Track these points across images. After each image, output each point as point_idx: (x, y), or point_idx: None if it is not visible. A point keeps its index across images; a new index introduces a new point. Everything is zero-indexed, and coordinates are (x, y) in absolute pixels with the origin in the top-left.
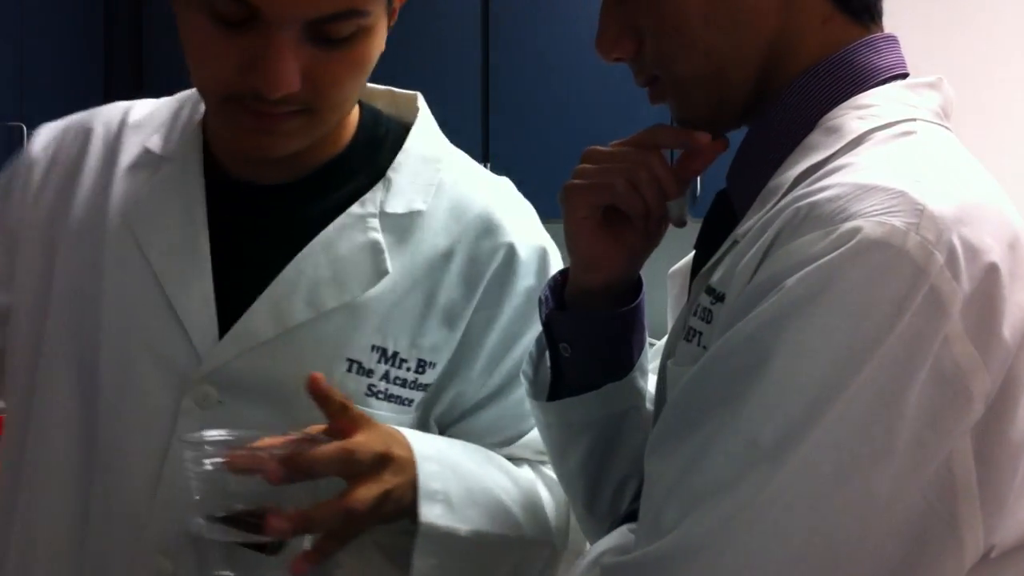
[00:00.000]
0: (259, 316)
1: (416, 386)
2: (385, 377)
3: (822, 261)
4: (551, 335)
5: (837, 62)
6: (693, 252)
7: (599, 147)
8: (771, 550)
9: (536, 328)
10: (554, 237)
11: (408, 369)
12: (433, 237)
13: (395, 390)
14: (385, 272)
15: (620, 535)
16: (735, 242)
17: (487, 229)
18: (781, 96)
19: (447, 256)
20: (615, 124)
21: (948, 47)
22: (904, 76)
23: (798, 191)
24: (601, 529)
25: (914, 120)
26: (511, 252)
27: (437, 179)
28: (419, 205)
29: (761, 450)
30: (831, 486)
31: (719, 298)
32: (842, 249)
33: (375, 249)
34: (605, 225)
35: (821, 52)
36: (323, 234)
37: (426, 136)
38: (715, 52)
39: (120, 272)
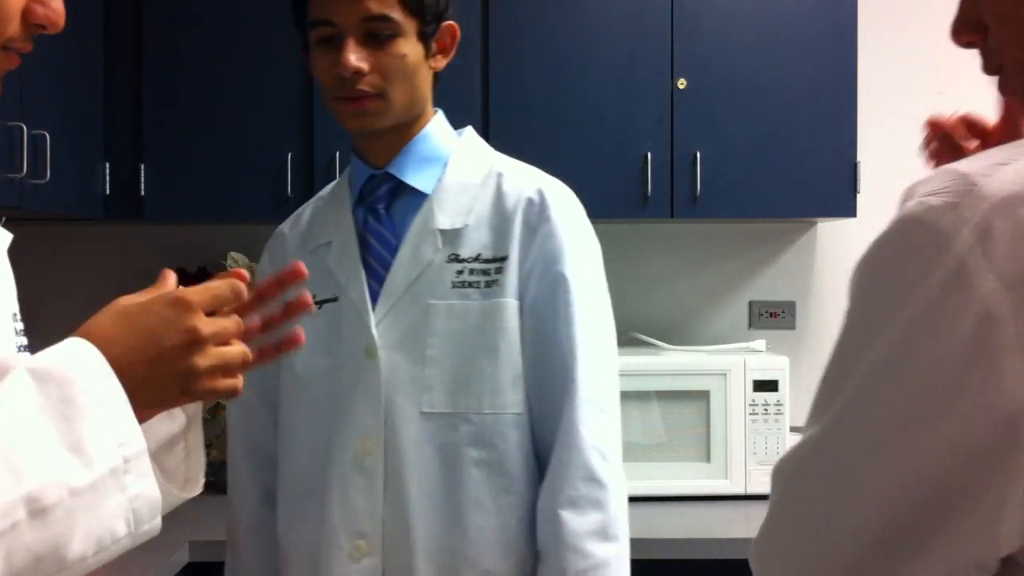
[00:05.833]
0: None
1: None
2: None
3: (876, 240)
4: None
5: None
6: None
7: None
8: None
9: None
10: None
11: None
12: None
13: None
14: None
15: None
16: None
17: None
18: None
19: None
20: (616, 124)
21: None
22: None
23: None
24: None
25: None
26: None
27: None
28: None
29: (816, 408)
30: (865, 445)
31: None
32: (888, 228)
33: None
34: None
35: None
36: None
37: None
38: None
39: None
